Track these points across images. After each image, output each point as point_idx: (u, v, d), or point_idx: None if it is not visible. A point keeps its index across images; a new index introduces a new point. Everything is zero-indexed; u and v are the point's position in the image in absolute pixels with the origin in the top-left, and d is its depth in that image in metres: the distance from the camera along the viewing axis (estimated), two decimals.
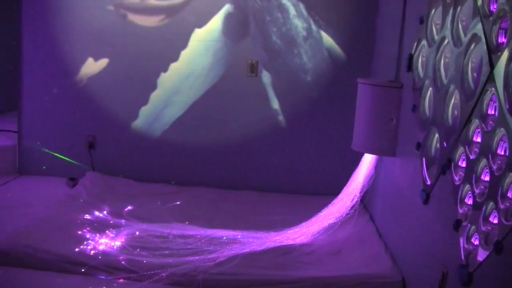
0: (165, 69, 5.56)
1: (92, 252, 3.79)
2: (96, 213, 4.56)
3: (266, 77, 5.49)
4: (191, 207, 4.93)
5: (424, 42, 3.55)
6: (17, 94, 5.86)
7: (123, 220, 4.46)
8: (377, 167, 4.43)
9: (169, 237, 4.18)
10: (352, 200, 4.34)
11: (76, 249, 3.79)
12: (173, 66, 5.55)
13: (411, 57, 3.80)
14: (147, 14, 5.57)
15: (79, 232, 4.09)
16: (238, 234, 4.30)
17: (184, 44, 5.52)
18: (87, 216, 4.46)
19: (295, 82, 5.48)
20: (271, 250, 4.05)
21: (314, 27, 5.39)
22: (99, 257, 3.71)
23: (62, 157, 5.77)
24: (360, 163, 4.43)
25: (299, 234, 4.32)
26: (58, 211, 4.52)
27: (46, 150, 5.80)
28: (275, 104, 5.52)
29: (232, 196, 5.30)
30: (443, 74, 3.14)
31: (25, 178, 5.76)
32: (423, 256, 3.29)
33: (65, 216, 4.40)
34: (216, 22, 5.49)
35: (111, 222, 4.41)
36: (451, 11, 3.04)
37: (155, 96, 5.59)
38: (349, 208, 4.34)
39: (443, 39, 3.16)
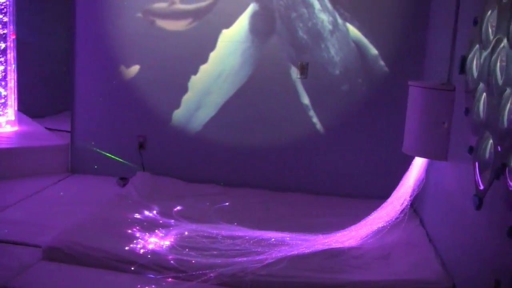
0: (195, 72, 5.62)
1: (142, 251, 3.83)
2: (146, 212, 4.61)
3: (295, 73, 5.48)
4: (240, 208, 4.94)
5: (477, 44, 3.48)
6: (70, 95, 5.97)
7: (172, 220, 4.50)
8: (428, 171, 4.36)
9: (217, 237, 4.19)
10: (402, 204, 4.28)
11: (126, 248, 3.84)
12: (203, 68, 5.60)
13: (464, 59, 3.73)
14: (175, 19, 5.65)
15: (129, 231, 4.14)
16: (286, 236, 4.29)
17: (212, 45, 5.57)
18: (137, 215, 4.51)
19: (324, 76, 5.46)
20: (320, 252, 4.03)
21: (339, 20, 5.37)
22: (149, 256, 3.75)
23: (113, 157, 5.86)
24: (410, 167, 4.37)
25: (348, 237, 4.28)
26: (109, 210, 4.59)
27: (98, 150, 5.89)
28: (305, 100, 5.50)
29: (281, 197, 5.29)
30: (499, 77, 3.07)
31: (77, 177, 5.87)
32: (475, 263, 3.22)
33: (116, 215, 4.47)
34: (242, 22, 5.54)
35: (161, 221, 4.45)
36: (507, 13, 2.97)
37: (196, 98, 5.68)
38: (399, 212, 4.27)
39: (498, 41, 3.08)
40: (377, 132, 5.41)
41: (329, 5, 5.37)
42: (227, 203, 5.04)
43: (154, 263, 3.67)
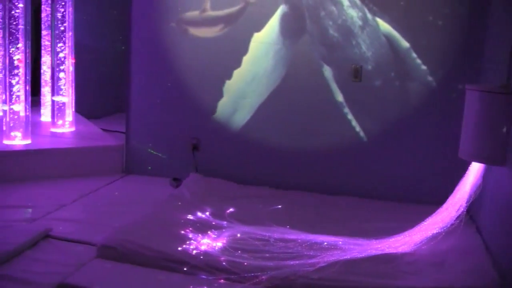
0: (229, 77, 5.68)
1: (194, 251, 3.84)
2: (199, 213, 4.63)
3: (327, 71, 5.47)
4: (292, 211, 4.92)
5: None
6: (125, 96, 6.07)
7: (225, 222, 4.51)
8: (485, 176, 4.26)
9: (270, 240, 4.18)
10: (458, 210, 4.18)
11: (179, 248, 3.86)
12: (237, 72, 5.65)
13: None
14: (207, 26, 5.72)
15: (182, 232, 4.17)
16: (339, 240, 4.24)
17: (245, 49, 5.61)
18: (190, 217, 4.53)
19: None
20: (372, 257, 3.97)
21: (369, 15, 5.33)
22: (201, 257, 3.76)
23: (166, 157, 5.92)
24: (467, 172, 4.27)
25: (402, 242, 4.21)
26: (162, 211, 4.64)
27: (152, 151, 5.96)
28: (340, 97, 5.48)
29: (334, 201, 5.24)
30: None
31: (131, 177, 5.96)
32: None
33: (169, 216, 4.50)
34: (273, 24, 5.57)
35: (213, 223, 4.47)
36: None
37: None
38: (454, 218, 4.19)
39: None
40: (432, 135, 5.32)
41: (357, 1, 5.34)
42: (279, 206, 5.02)
43: (206, 264, 3.68)
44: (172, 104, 5.86)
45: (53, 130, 6.70)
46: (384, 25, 5.34)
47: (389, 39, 5.34)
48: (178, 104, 5.84)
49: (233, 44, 5.64)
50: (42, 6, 7.14)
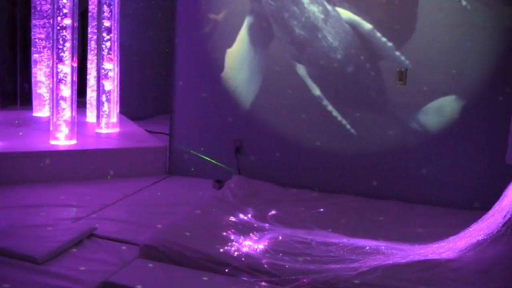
0: None
1: (236, 253, 3.84)
2: (241, 215, 4.63)
3: (301, 69, 5.55)
4: (335, 214, 4.88)
5: None
6: (169, 98, 6.12)
7: (267, 224, 4.50)
8: None
9: (311, 243, 4.15)
10: (505, 217, 4.10)
11: (221, 250, 3.87)
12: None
13: None
14: None
15: (224, 233, 4.17)
16: (381, 244, 4.20)
17: (220, 67, 5.85)
18: (232, 218, 4.54)
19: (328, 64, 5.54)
20: (415, 263, 3.91)
21: (329, 7, 5.48)
22: (243, 259, 3.76)
23: (209, 159, 5.95)
24: None
25: (446, 248, 4.14)
26: (205, 212, 4.65)
27: (195, 153, 5.99)
28: (317, 91, 5.58)
29: (377, 205, 5.18)
30: None
31: (174, 179, 6.00)
32: None
33: (211, 217, 4.52)
34: (242, 37, 5.73)
35: (255, 225, 4.46)
36: None
37: None
38: (501, 225, 4.11)
39: None
40: (477, 140, 5.22)
41: None
42: (321, 209, 4.99)
43: (248, 266, 3.68)
44: (216, 106, 5.89)
45: (98, 131, 6.79)
46: (344, 13, 5.47)
47: (351, 25, 5.45)
48: (221, 106, 5.86)
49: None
50: (90, 7, 7.25)
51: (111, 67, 6.73)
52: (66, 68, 5.89)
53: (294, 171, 5.69)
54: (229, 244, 3.99)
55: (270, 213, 4.77)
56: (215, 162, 5.93)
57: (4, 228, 4.18)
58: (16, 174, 5.51)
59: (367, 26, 5.40)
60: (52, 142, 5.97)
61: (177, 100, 6.06)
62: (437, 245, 4.18)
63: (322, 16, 5.49)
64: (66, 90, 5.90)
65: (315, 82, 5.60)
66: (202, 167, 5.99)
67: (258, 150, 5.80)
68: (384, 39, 5.37)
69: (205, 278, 3.56)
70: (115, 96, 6.82)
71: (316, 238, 4.24)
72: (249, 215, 4.67)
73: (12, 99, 7.26)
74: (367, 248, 4.12)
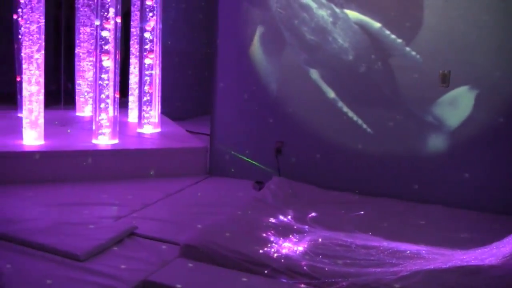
0: None
1: (276, 255, 3.83)
2: (281, 217, 4.63)
3: (314, 74, 5.59)
4: (375, 218, 4.84)
5: None
6: (211, 99, 6.15)
7: (307, 226, 4.48)
8: None
9: (351, 246, 4.12)
10: None
11: (260, 251, 3.86)
12: None
13: None
14: None
15: (264, 235, 4.17)
16: (422, 249, 4.14)
17: None
18: (272, 220, 4.54)
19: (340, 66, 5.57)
20: (457, 268, 3.84)
21: (337, 9, 5.56)
22: (282, 261, 3.75)
23: (250, 160, 5.95)
24: None
25: (489, 254, 4.07)
26: (245, 213, 4.66)
27: (235, 154, 6.01)
28: (332, 94, 5.62)
29: (418, 209, 5.12)
30: None
31: (215, 179, 6.02)
32: None
33: (251, 218, 4.52)
34: (256, 46, 5.80)
35: (295, 227, 4.45)
36: None
37: None
38: None
39: None
40: None
41: (323, 0, 5.59)
42: (362, 212, 4.96)
43: (287, 268, 3.67)
44: (257, 108, 5.89)
45: (140, 131, 6.86)
46: (352, 14, 5.55)
47: (360, 25, 5.52)
48: (262, 108, 5.87)
49: None
50: (132, 8, 7.33)
51: (150, 62, 6.79)
52: (107, 62, 5.96)
53: (334, 173, 5.66)
54: (269, 245, 3.99)
55: (310, 215, 4.75)
56: (255, 163, 5.93)
57: (48, 225, 4.25)
58: (59, 172, 5.61)
59: (376, 25, 5.47)
60: (95, 141, 6.05)
61: (218, 101, 6.08)
62: (479, 250, 4.11)
63: (331, 19, 5.58)
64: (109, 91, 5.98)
65: (329, 85, 5.68)
66: (242, 168, 6.00)
67: (298, 151, 5.79)
68: (393, 36, 5.42)
69: (244, 279, 3.57)
70: (156, 96, 6.89)
71: (356, 241, 4.21)
72: (289, 217, 4.66)
73: (56, 98, 7.38)
74: (408, 252, 4.08)
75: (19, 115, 6.54)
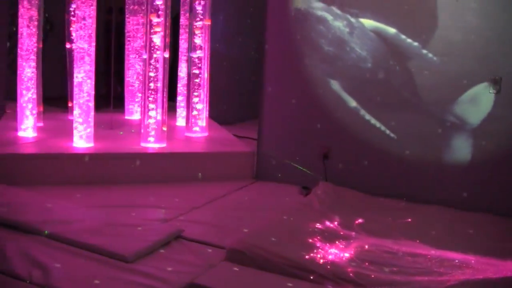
0: None
1: (322, 261, 3.82)
2: (327, 223, 4.60)
3: (335, 85, 5.66)
4: (423, 225, 4.76)
5: None
6: (258, 104, 6.16)
7: (353, 232, 4.45)
8: None
9: (398, 253, 4.08)
10: None
11: (306, 256, 3.85)
12: None
13: None
14: None
15: (310, 240, 4.16)
16: (471, 258, 4.07)
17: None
18: (318, 225, 4.51)
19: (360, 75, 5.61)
20: (508, 279, 3.78)
21: (352, 19, 5.63)
22: (328, 267, 3.73)
23: (297, 166, 5.94)
24: None
25: None
26: (291, 218, 4.65)
27: (282, 158, 6.00)
28: (353, 103, 5.67)
29: (468, 217, 5.01)
30: None
31: (261, 184, 6.03)
32: None
33: (298, 223, 4.51)
34: None
35: (341, 233, 4.42)
36: None
37: None
38: None
39: None
40: None
41: (338, 12, 5.66)
42: (409, 219, 4.89)
43: (333, 274, 3.65)
44: (304, 113, 5.88)
45: (188, 134, 6.91)
46: (368, 22, 5.60)
47: (376, 32, 5.58)
48: (310, 113, 5.85)
49: None
50: (181, 11, 7.40)
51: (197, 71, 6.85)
52: (159, 56, 6.02)
53: (381, 179, 5.60)
54: (315, 251, 3.97)
55: (356, 221, 4.72)
56: (302, 168, 5.92)
57: (96, 226, 4.32)
58: (108, 174, 5.70)
59: (391, 30, 5.52)
60: (143, 144, 6.11)
61: (266, 105, 6.09)
62: None
63: (347, 29, 5.65)
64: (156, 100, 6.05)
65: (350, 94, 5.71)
66: (289, 173, 5.98)
67: (346, 157, 5.75)
68: (409, 40, 5.46)
69: (290, 285, 3.55)
70: (204, 101, 6.93)
71: (403, 249, 4.17)
72: (336, 223, 4.63)
73: (106, 102, 7.49)
74: (456, 261, 4.01)
75: (70, 117, 6.65)
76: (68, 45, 7.34)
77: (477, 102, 5.24)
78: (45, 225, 4.24)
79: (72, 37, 7.03)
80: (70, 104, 7.11)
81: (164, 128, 6.13)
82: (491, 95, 5.15)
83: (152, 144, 6.08)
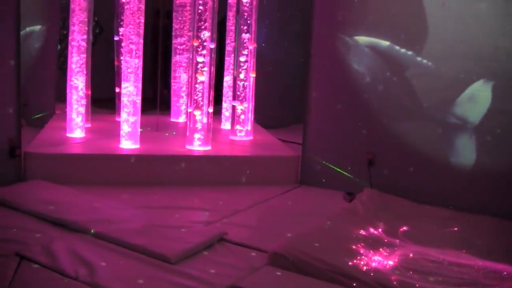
0: None
1: (365, 268, 3.79)
2: (371, 229, 4.56)
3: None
4: (469, 235, 4.65)
5: None
6: (304, 108, 6.15)
7: (398, 240, 4.39)
8: None
9: (443, 263, 4.00)
10: None
11: (350, 263, 3.82)
12: None
13: None
14: None
15: (354, 247, 4.12)
16: None
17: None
18: (362, 232, 4.47)
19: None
20: None
21: (347, 39, 5.81)
22: (371, 274, 3.69)
23: (342, 171, 5.91)
24: None
25: None
26: (335, 224, 4.62)
27: (327, 164, 5.98)
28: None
29: None
30: None
31: (305, 189, 6.00)
32: None
33: (341, 229, 4.48)
34: None
35: (385, 240, 4.37)
36: None
37: None
38: None
39: None
40: None
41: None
42: (455, 228, 4.80)
43: (377, 282, 3.60)
44: (349, 119, 5.84)
45: (232, 138, 6.94)
46: (362, 39, 5.76)
47: (370, 47, 5.72)
48: (355, 119, 5.81)
49: None
50: (228, 13, 7.44)
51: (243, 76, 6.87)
52: (202, 77, 6.06)
53: (427, 187, 5.51)
54: (358, 257, 3.94)
55: (401, 229, 4.66)
56: (347, 174, 5.88)
57: (141, 227, 4.38)
58: (153, 176, 5.76)
59: (385, 43, 5.65)
60: (188, 147, 6.16)
61: (311, 110, 6.07)
62: None
63: (344, 49, 5.81)
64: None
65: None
66: (333, 179, 5.95)
67: (391, 164, 5.69)
68: (403, 50, 5.58)
69: None
70: (249, 104, 6.95)
71: (449, 258, 4.09)
72: (380, 230, 4.59)
73: (153, 104, 7.58)
74: (505, 273, 3.92)
75: (117, 119, 6.76)
76: (116, 37, 7.48)
77: (476, 98, 5.30)
78: (92, 224, 4.32)
79: (120, 35, 7.13)
80: (117, 106, 7.21)
81: (209, 133, 6.16)
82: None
83: (197, 147, 6.12)
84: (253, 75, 6.92)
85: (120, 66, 6.81)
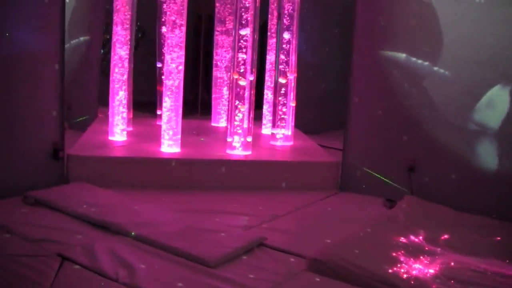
0: None
1: (405, 276, 3.74)
2: (412, 237, 4.50)
3: None
4: None
5: None
6: (345, 114, 6.12)
7: (439, 248, 4.33)
8: None
9: (486, 273, 3.91)
10: None
11: (390, 270, 3.78)
12: None
13: None
14: None
15: (394, 254, 4.08)
16: None
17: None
18: (403, 239, 4.42)
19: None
20: None
21: None
22: (412, 282, 3.65)
23: (382, 177, 5.86)
24: None
25: None
26: (375, 230, 4.57)
27: (367, 170, 5.93)
28: None
29: None
30: None
31: (345, 195, 5.97)
32: None
33: (381, 236, 4.43)
34: None
35: (426, 248, 4.31)
36: None
37: None
38: None
39: None
40: None
41: None
42: (498, 238, 4.71)
43: None
44: (390, 124, 5.79)
45: (273, 143, 6.94)
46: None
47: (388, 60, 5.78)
48: (396, 124, 5.76)
49: None
50: (269, 16, 7.46)
51: (284, 81, 6.88)
52: (243, 81, 6.08)
53: (470, 194, 5.42)
54: (398, 265, 3.89)
55: (442, 237, 4.59)
56: (387, 180, 5.83)
57: (180, 230, 4.40)
58: (194, 179, 5.80)
59: (401, 55, 5.67)
60: (229, 151, 6.18)
61: (352, 116, 6.04)
62: None
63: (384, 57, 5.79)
64: (242, 107, 6.09)
65: None
66: (373, 185, 5.90)
67: (432, 171, 5.61)
68: (420, 60, 5.59)
69: None
70: (290, 110, 6.95)
71: (492, 268, 4.01)
72: (420, 237, 4.53)
73: (194, 108, 7.64)
74: None
75: (158, 123, 6.81)
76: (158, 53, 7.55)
77: (494, 104, 5.28)
78: (132, 227, 4.36)
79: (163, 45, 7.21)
80: (159, 112, 7.26)
81: (249, 139, 6.17)
82: None
83: (237, 152, 6.14)
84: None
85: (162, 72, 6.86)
